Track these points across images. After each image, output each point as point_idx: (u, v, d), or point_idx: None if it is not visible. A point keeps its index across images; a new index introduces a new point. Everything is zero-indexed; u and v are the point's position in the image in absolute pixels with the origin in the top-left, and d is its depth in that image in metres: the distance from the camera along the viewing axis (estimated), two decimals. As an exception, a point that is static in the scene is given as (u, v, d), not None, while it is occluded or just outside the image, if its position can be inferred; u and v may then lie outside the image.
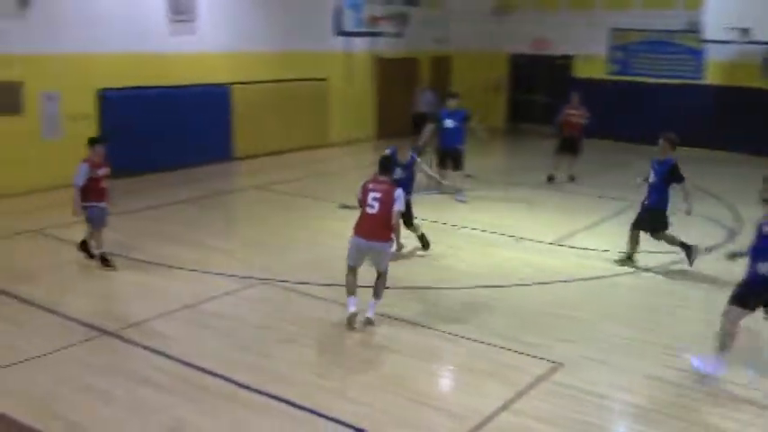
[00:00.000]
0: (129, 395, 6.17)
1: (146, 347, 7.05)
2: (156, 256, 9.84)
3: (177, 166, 15.25)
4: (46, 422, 5.68)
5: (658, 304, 8.72)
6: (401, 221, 8.74)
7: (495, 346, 7.25)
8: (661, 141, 9.75)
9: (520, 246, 10.80)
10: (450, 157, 13.64)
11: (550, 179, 15.48)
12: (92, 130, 14.01)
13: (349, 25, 17.61)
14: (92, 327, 7.48)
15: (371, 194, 7.56)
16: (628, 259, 9.91)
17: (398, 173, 9.10)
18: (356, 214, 7.80)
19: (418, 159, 10.29)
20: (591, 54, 21.58)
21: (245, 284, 8.82)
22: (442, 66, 22.81)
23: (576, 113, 15.66)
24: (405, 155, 9.86)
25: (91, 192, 9.11)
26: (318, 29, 18.29)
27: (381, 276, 7.74)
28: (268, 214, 12.57)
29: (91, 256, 9.46)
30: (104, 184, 9.27)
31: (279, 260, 9.81)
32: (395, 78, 19.92)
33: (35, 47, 13.01)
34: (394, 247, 8.96)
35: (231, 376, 6.49)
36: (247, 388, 6.31)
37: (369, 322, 7.61)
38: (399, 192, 7.58)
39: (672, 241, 9.79)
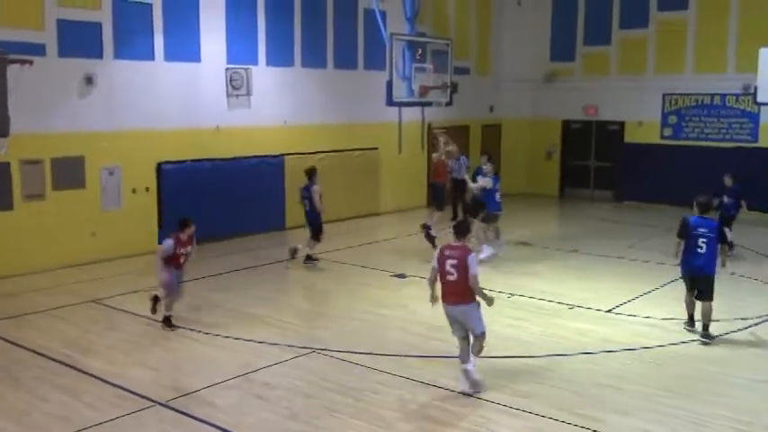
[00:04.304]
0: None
1: (195, 418, 7.08)
2: (208, 325, 9.95)
3: (231, 235, 15.53)
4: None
5: (725, 374, 8.37)
6: None
7: (549, 418, 7.07)
8: None
9: (574, 314, 10.58)
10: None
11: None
12: (152, 201, 14.47)
13: (400, 96, 17.93)
14: (144, 397, 7.56)
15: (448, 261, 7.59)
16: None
17: None
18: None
19: None
20: (643, 119, 21.45)
21: (296, 354, 8.81)
22: (492, 133, 22.98)
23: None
24: None
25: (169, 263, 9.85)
26: (370, 100, 18.62)
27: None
28: (319, 283, 12.63)
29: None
30: (183, 260, 10.01)
31: (331, 330, 9.80)
32: (445, 146, 20.03)
33: (98, 124, 13.58)
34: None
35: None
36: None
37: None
38: (472, 257, 7.59)
39: None
